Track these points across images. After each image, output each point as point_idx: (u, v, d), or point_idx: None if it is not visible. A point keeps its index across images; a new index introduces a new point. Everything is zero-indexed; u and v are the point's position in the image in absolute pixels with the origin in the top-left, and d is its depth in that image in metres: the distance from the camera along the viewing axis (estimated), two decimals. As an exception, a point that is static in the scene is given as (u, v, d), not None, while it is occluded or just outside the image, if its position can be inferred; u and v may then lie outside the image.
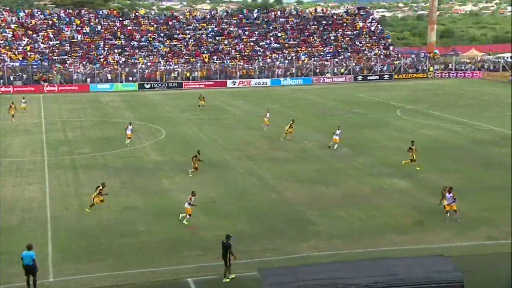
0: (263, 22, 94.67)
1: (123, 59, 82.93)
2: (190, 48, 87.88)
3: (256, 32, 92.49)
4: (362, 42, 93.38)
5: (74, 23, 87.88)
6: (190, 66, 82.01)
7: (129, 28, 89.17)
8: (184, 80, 78.83)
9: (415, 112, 51.98)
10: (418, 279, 13.64)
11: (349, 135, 40.25)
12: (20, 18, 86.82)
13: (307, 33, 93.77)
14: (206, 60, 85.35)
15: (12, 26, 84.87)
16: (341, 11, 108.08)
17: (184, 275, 18.86)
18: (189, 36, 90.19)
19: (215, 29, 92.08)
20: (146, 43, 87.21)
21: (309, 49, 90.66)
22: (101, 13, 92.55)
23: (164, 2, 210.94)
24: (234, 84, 78.62)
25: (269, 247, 21.09)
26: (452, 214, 23.21)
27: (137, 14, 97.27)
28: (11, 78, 73.57)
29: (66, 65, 78.76)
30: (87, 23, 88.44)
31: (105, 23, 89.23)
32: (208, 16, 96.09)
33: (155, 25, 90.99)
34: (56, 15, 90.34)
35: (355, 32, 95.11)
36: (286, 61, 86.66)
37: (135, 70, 77.76)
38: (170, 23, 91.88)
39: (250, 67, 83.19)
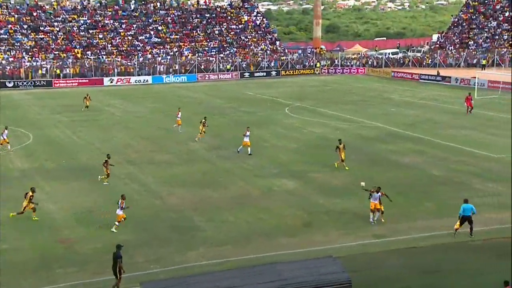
0: (142, 15, 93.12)
1: (-21, 54, 77.63)
2: (60, 42, 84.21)
3: (134, 25, 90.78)
4: (248, 37, 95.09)
5: None
6: (60, 62, 78.61)
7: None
8: (54, 77, 75.41)
9: (303, 109, 53.88)
10: (307, 283, 14.17)
11: (237, 134, 40.83)
12: None
13: (189, 27, 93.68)
14: (79, 55, 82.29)
15: None
16: (225, 4, 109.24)
17: (56, 295, 18.07)
18: (57, 28, 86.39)
19: (88, 21, 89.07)
20: (6, 36, 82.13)
21: (193, 44, 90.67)
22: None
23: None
24: (111, 82, 76.65)
25: (153, 258, 20.82)
26: (375, 215, 23.85)
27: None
28: None
29: None
30: None
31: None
32: (79, 7, 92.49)
33: (16, 16, 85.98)
34: None
35: (240, 26, 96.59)
36: (169, 57, 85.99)
37: (-6, 67, 73.10)
38: (35, 13, 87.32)
39: (129, 63, 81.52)
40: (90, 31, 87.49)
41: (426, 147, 37.08)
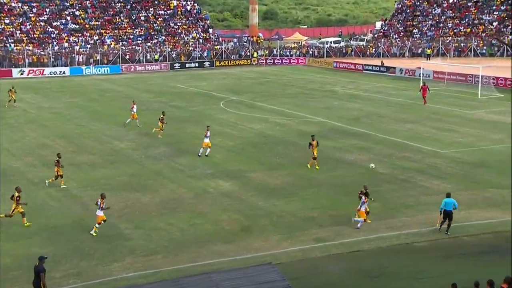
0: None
1: None
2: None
3: (48, 10, 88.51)
4: (178, 24, 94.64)
5: None
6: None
7: None
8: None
9: (239, 103, 54.23)
10: (245, 293, 14.44)
11: (168, 131, 40.69)
12: None
13: (112, 12, 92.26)
14: (-17, 43, 79.57)
15: None
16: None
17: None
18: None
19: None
20: None
21: (116, 31, 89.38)
22: None
23: None
24: (22, 74, 74.70)
25: (72, 271, 20.51)
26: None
27: None
28: None
29: None
30: None
31: None
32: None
33: None
34: None
35: (169, 11, 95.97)
36: (88, 46, 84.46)
37: None
38: None
39: (43, 53, 79.49)
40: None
41: (371, 143, 38.15)
